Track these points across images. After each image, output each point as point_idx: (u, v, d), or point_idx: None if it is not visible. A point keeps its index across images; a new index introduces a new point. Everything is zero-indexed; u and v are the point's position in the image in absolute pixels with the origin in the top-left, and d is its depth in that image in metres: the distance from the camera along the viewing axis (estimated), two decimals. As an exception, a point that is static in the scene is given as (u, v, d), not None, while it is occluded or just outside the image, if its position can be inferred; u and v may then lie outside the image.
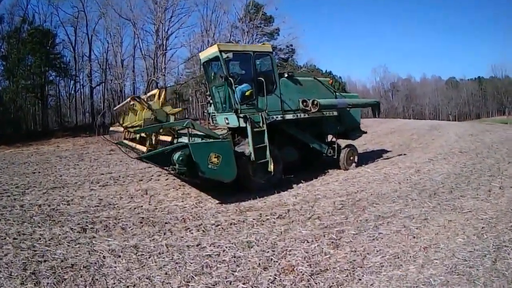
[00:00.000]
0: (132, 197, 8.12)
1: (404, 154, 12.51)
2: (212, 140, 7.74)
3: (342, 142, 11.02)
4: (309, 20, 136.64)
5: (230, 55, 7.97)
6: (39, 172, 12.16)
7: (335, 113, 9.91)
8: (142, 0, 40.23)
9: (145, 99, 8.48)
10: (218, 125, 10.06)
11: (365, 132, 12.06)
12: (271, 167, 8.23)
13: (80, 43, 41.40)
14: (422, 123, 30.21)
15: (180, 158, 6.53)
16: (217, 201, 7.55)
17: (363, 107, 11.95)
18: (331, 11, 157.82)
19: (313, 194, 7.91)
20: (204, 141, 7.67)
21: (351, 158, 10.63)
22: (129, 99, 8.03)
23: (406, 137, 18.77)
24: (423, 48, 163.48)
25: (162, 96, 8.26)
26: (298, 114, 9.22)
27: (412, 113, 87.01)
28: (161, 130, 7.99)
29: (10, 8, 36.60)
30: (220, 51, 8.10)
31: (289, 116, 9.04)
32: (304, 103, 9.23)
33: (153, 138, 8.22)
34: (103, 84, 43.19)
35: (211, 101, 9.90)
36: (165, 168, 7.27)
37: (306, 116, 9.31)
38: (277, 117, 8.77)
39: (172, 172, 7.14)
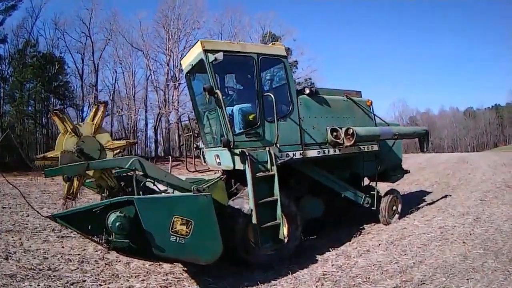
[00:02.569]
0: (83, 261, 6.09)
1: (449, 196, 10.62)
2: (177, 194, 5.16)
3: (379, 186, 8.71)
4: (326, 51, 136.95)
5: (220, 56, 5.37)
6: (9, 208, 10.86)
7: (376, 147, 7.40)
8: (155, 29, 39.96)
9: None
10: (209, 166, 7.30)
11: (408, 171, 9.93)
12: (283, 233, 5.70)
13: (88, 72, 41.54)
14: (449, 156, 30.07)
15: (118, 223, 4.14)
16: (195, 284, 5.37)
17: (410, 138, 9.37)
18: (347, 43, 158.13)
19: (348, 275, 5.32)
20: (163, 195, 5.02)
21: (394, 208, 8.19)
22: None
23: (440, 173, 17.50)
24: (441, 80, 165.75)
25: (99, 115, 5.34)
26: (326, 150, 6.61)
27: (431, 146, 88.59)
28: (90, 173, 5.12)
29: (15, 30, 36.35)
30: (205, 51, 5.54)
31: (312, 153, 6.43)
32: (335, 133, 6.58)
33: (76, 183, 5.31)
34: (111, 116, 42.51)
35: (197, 132, 7.37)
36: (93, 238, 4.57)
37: (338, 152, 6.72)
38: (294, 155, 6.17)
39: (106, 246, 4.51)
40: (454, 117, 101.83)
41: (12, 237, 7.33)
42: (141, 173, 4.91)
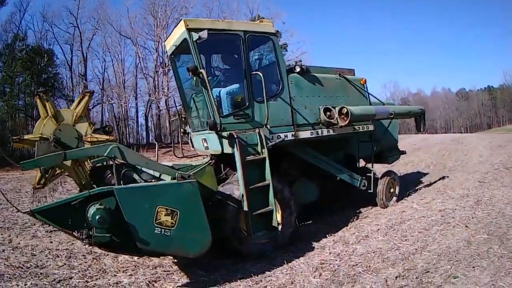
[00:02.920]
0: (71, 257, 5.83)
1: (447, 177, 10.44)
2: (159, 182, 4.79)
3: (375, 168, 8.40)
4: (316, 35, 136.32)
5: (204, 34, 5.01)
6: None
7: (371, 127, 7.09)
8: (142, 16, 39.19)
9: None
10: (197, 150, 6.91)
11: (404, 152, 9.74)
12: (277, 219, 5.37)
13: (77, 62, 41.00)
14: (443, 137, 29.76)
15: (98, 216, 3.85)
16: (185, 277, 5.07)
17: (406, 118, 9.04)
18: (338, 25, 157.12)
19: (347, 263, 5.02)
20: (145, 184, 4.62)
21: (391, 190, 7.90)
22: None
23: (435, 154, 17.27)
24: (433, 60, 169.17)
25: (82, 104, 5.02)
26: (319, 130, 6.25)
27: (425, 127, 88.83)
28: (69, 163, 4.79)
29: (4, 25, 35.83)
30: (189, 30, 5.16)
31: (305, 134, 6.07)
32: (328, 113, 6.22)
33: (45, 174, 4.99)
34: (101, 105, 42.11)
35: (184, 116, 6.97)
36: (73, 233, 4.27)
37: (331, 133, 6.37)
38: (285, 136, 5.81)
39: (86, 241, 4.21)
40: (446, 98, 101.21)
41: (2, 234, 7.13)
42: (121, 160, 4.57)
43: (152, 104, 41.19)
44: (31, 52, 34.37)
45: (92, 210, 3.86)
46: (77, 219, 3.91)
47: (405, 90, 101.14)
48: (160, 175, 5.25)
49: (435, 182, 9.90)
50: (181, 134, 7.13)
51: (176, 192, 4.22)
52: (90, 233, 3.93)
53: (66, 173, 5.28)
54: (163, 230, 4.06)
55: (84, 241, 4.11)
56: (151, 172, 5.27)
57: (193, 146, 7.02)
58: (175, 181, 4.31)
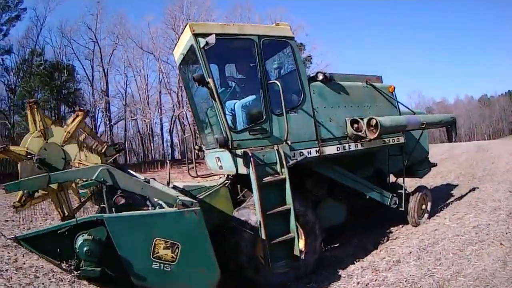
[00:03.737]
0: (74, 282, 5.47)
1: (477, 188, 9.83)
2: (157, 210, 4.23)
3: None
4: (337, 46, 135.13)
5: (212, 39, 4.51)
6: (12, 221, 10.17)
7: (402, 140, 6.48)
8: (164, 31, 39.52)
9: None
10: (212, 170, 6.43)
11: (435, 165, 9.17)
12: (299, 247, 4.81)
13: (98, 77, 41.25)
14: (467, 145, 29.40)
15: (86, 248, 3.40)
16: None
17: (438, 127, 8.28)
18: (360, 35, 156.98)
19: None
20: (139, 212, 3.97)
21: (423, 206, 7.26)
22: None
23: (463, 164, 16.82)
24: (456, 68, 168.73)
25: (74, 124, 4.58)
26: (346, 145, 5.66)
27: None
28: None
29: (21, 40, 36.33)
30: (195, 35, 4.65)
31: (330, 150, 5.49)
32: (355, 125, 5.64)
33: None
34: (124, 121, 42.50)
35: (198, 131, 6.49)
36: (60, 264, 3.65)
37: (360, 147, 5.80)
38: (309, 153, 5.21)
39: (75, 274, 3.63)
40: (469, 105, 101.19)
41: (8, 253, 6.82)
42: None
43: (176, 120, 41.15)
44: (50, 68, 34.74)
45: (79, 240, 3.41)
46: (66, 249, 3.47)
47: (430, 100, 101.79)
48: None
49: (465, 194, 9.37)
50: (195, 151, 6.61)
51: (176, 222, 3.69)
52: (79, 265, 3.47)
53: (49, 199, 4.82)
54: (162, 265, 3.54)
55: (73, 273, 3.58)
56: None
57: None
58: (175, 209, 3.73)
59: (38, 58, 35.77)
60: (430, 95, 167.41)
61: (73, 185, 5.36)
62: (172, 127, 43.05)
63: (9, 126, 33.27)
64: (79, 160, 4.61)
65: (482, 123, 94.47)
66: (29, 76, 33.75)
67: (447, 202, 8.69)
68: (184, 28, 4.95)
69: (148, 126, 43.20)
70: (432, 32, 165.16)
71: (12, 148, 4.40)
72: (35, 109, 4.43)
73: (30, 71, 34.28)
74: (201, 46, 4.54)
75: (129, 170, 6.36)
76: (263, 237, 4.43)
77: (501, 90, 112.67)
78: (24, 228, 9.45)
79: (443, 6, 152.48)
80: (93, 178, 3.85)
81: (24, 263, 6.16)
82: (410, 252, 5.61)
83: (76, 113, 4.82)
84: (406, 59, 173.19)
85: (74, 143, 4.64)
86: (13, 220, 10.26)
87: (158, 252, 3.52)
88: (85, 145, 5.82)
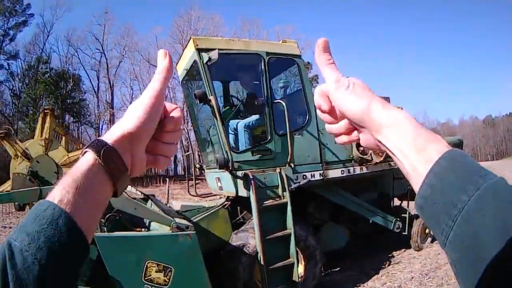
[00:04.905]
0: None
1: None
2: (150, 233, 4.16)
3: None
4: (346, 65, 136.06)
5: (214, 55, 4.37)
6: (9, 228, 10.18)
7: (407, 162, 5.95)
8: (171, 45, 39.49)
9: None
10: (212, 190, 6.34)
11: None
12: (298, 273, 4.65)
13: (104, 89, 40.95)
14: None
15: None
16: None
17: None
18: (366, 56, 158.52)
19: None
20: (132, 234, 3.94)
21: (426, 231, 7.06)
22: None
23: None
24: (460, 89, 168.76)
25: (47, 126, 4.48)
26: (351, 169, 5.54)
27: None
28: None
29: (27, 46, 36.11)
30: (199, 50, 4.53)
31: (335, 173, 5.39)
32: (361, 148, 5.51)
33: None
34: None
35: (199, 149, 6.45)
36: None
37: (365, 171, 5.68)
38: (312, 176, 5.08)
39: None
40: (473, 125, 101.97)
41: None
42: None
43: (181, 136, 41.02)
44: (56, 76, 34.73)
45: None
46: None
47: (434, 121, 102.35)
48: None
49: None
50: (195, 169, 6.47)
51: (170, 246, 3.61)
52: None
53: None
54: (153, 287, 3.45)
55: None
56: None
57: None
58: (169, 232, 3.59)
59: (44, 65, 35.81)
60: (435, 116, 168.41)
61: None
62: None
63: (13, 132, 33.35)
64: (68, 156, 4.50)
65: (486, 144, 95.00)
66: (34, 83, 33.71)
67: (451, 225, 8.55)
68: (188, 42, 4.85)
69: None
70: (438, 52, 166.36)
71: (3, 187, 4.35)
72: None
73: (35, 78, 34.25)
74: (204, 61, 4.43)
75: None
76: (262, 262, 4.29)
77: (506, 111, 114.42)
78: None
79: (449, 25, 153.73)
80: None
81: None
82: (412, 278, 5.59)
83: (43, 113, 4.71)
84: (411, 79, 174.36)
85: (56, 146, 4.56)
86: (10, 227, 10.19)
87: (150, 275, 3.43)
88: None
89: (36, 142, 4.52)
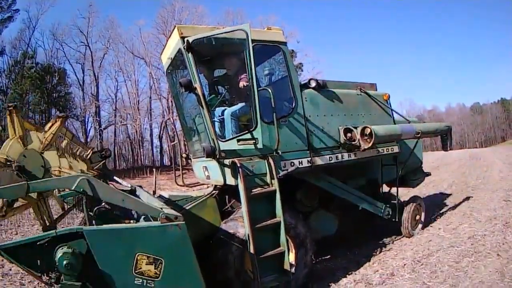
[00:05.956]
0: None
1: (471, 197, 9.98)
2: (139, 224, 4.10)
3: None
4: (329, 54, 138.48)
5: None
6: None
7: (396, 149, 6.29)
8: (155, 36, 39.10)
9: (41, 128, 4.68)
10: (199, 179, 6.18)
11: (429, 174, 9.02)
12: (288, 261, 4.54)
13: (89, 82, 40.70)
14: (460, 154, 29.93)
15: (66, 261, 3.24)
16: None
17: (433, 136, 8.11)
18: (351, 43, 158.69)
19: None
20: (121, 225, 3.86)
21: (417, 217, 7.11)
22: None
23: (455, 172, 17.24)
24: (446, 76, 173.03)
25: (53, 130, 4.38)
26: (339, 155, 5.43)
27: (440, 144, 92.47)
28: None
29: (13, 42, 35.79)
30: (183, 38, 4.43)
31: (323, 160, 5.25)
32: (349, 134, 5.44)
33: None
34: (114, 126, 42.28)
35: (185, 139, 6.25)
36: (41, 277, 3.50)
37: (353, 157, 5.58)
38: (300, 163, 4.97)
39: (55, 287, 3.48)
40: (461, 113, 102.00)
41: None
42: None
43: (166, 126, 40.86)
44: (41, 71, 34.37)
45: (59, 253, 3.25)
46: (46, 261, 3.33)
47: (421, 108, 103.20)
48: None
49: (460, 203, 9.32)
50: (182, 159, 6.37)
51: (159, 237, 3.49)
52: (59, 278, 3.33)
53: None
54: (145, 281, 3.36)
55: (53, 287, 3.37)
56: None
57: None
58: (158, 223, 3.51)
59: (29, 60, 35.47)
60: (421, 103, 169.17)
61: (55, 193, 5.16)
62: (161, 133, 42.77)
63: (0, 128, 32.90)
64: (59, 168, 4.38)
65: (474, 131, 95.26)
66: (21, 79, 33.32)
67: (441, 212, 8.61)
68: (172, 31, 4.74)
69: (138, 131, 42.68)
70: (424, 39, 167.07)
71: None
72: (14, 114, 4.21)
73: (21, 73, 33.84)
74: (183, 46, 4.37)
75: (115, 177, 6.13)
76: (252, 251, 4.21)
77: (493, 98, 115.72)
78: (11, 232, 9.19)
79: (434, 12, 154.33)
80: (72, 188, 3.64)
81: (10, 269, 6.05)
82: (404, 265, 5.48)
83: (55, 118, 4.59)
84: (397, 66, 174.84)
85: (53, 150, 4.42)
86: (1, 225, 9.99)
87: (140, 268, 3.34)
88: (70, 151, 5.59)
89: (38, 138, 4.41)
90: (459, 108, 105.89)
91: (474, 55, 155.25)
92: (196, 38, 4.39)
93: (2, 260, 6.24)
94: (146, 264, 3.34)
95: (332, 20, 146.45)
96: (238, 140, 4.62)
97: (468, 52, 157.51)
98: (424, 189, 12.53)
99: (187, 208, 5.03)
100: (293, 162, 4.90)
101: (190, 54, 4.38)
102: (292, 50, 38.11)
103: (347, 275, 5.42)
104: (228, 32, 4.64)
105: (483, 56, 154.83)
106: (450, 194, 11.40)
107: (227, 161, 4.46)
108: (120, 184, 5.84)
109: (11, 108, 4.24)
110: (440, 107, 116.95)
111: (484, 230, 6.39)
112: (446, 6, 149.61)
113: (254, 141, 4.68)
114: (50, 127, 4.42)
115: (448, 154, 30.68)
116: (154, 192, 5.64)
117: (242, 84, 4.87)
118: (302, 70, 39.63)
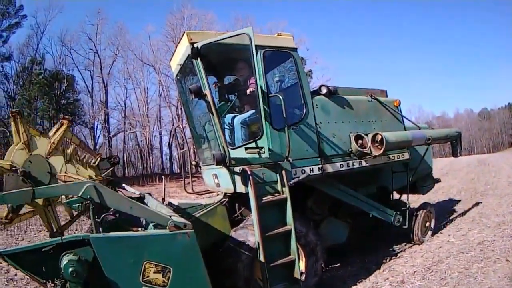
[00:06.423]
0: None
1: (480, 203, 9.95)
2: (148, 232, 3.94)
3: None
4: (340, 60, 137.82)
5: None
6: (6, 230, 9.36)
7: (407, 156, 6.24)
8: (164, 43, 39.26)
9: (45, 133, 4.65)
10: (208, 187, 6.14)
11: (439, 180, 8.94)
12: (299, 269, 4.51)
13: (98, 89, 40.66)
14: (468, 159, 29.79)
15: (71, 269, 3.18)
16: None
17: (443, 142, 8.03)
18: (359, 50, 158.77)
19: None
20: (129, 233, 3.80)
21: (427, 224, 7.03)
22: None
23: (464, 178, 17.10)
24: (455, 82, 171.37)
25: (59, 134, 4.36)
26: (350, 162, 5.38)
27: (449, 150, 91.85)
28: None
29: (21, 47, 35.88)
30: (192, 44, 4.39)
31: (334, 167, 5.18)
32: (360, 141, 5.38)
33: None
34: (123, 133, 42.18)
35: (195, 146, 6.35)
36: (45, 284, 3.43)
37: (364, 164, 5.51)
38: (311, 170, 4.91)
39: None
40: (469, 118, 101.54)
41: (0, 263, 6.68)
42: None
43: (176, 133, 40.62)
44: (50, 77, 34.50)
45: (65, 260, 3.20)
46: (51, 268, 3.27)
47: (429, 114, 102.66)
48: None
49: (468, 210, 9.29)
50: (191, 166, 6.35)
51: (167, 245, 3.44)
52: (64, 284, 3.27)
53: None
54: None
55: None
56: None
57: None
58: (166, 231, 3.46)
59: (37, 66, 35.50)
60: (430, 109, 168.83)
61: (62, 200, 5.14)
62: (171, 140, 42.69)
63: (8, 134, 33.09)
64: (65, 173, 4.34)
65: (481, 136, 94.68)
66: (29, 85, 33.46)
67: (450, 218, 8.56)
68: (182, 37, 4.72)
69: (147, 139, 42.66)
70: (432, 46, 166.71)
71: None
72: (19, 120, 4.19)
73: (29, 79, 33.97)
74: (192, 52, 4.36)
75: (123, 185, 6.10)
76: (262, 259, 4.17)
77: (501, 103, 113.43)
78: (18, 238, 9.17)
79: (442, 18, 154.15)
80: (79, 195, 3.60)
81: (16, 275, 6.03)
82: (415, 272, 5.41)
83: (60, 121, 4.55)
84: (405, 73, 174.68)
85: (59, 155, 4.39)
86: (7, 230, 9.99)
87: (148, 276, 3.29)
88: (77, 157, 5.56)
89: (46, 141, 4.38)
90: (467, 114, 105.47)
91: (482, 61, 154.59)
92: (204, 44, 4.36)
93: (8, 266, 6.24)
94: (154, 273, 3.29)
95: (341, 26, 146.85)
96: (246, 148, 4.58)
97: (476, 58, 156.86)
98: (433, 196, 12.40)
99: (196, 216, 4.99)
100: (304, 170, 4.84)
101: (198, 60, 4.35)
102: (302, 58, 37.91)
103: (358, 283, 5.37)
104: (232, 36, 4.58)
105: (491, 62, 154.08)
106: (459, 200, 11.33)
107: (237, 169, 4.42)
108: (128, 191, 5.82)
109: (15, 113, 4.23)
110: (448, 113, 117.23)
111: (493, 236, 6.34)
112: (454, 14, 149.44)
113: (259, 150, 4.62)
114: (55, 132, 4.40)
115: (456, 160, 30.53)
116: (163, 200, 5.58)
117: (250, 89, 4.84)
118: (311, 78, 39.54)
